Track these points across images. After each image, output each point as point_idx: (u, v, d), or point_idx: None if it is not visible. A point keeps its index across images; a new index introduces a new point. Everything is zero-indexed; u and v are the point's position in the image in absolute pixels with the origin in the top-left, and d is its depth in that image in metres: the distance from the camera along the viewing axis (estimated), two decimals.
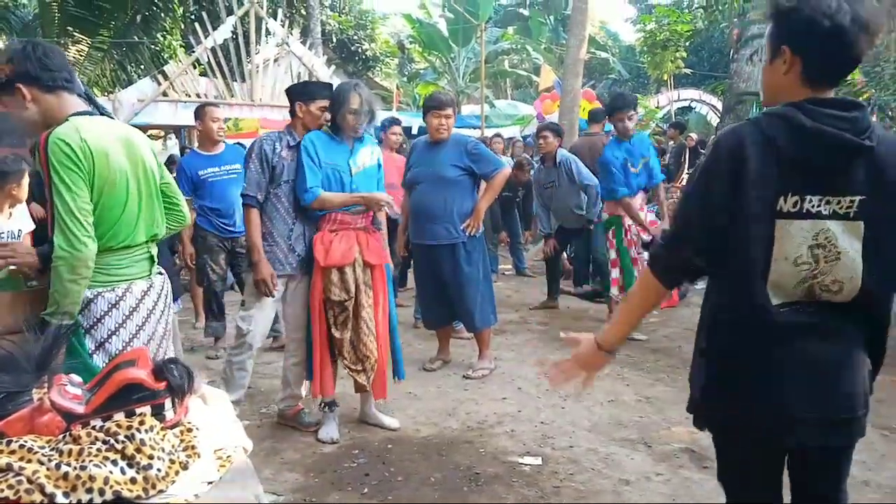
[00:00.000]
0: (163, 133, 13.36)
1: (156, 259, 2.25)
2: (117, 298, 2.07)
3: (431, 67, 23.41)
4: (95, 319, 2.05)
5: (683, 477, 2.98)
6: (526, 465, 3.10)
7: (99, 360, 2.03)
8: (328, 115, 3.32)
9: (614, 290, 5.21)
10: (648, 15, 17.11)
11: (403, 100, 21.78)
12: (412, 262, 4.39)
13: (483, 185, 4.36)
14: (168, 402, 1.45)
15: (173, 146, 12.91)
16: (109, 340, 2.07)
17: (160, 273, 2.28)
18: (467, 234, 4.20)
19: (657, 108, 14.52)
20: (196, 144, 4.51)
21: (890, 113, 6.75)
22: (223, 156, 4.78)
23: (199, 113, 4.58)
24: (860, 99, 6.99)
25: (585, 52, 10.83)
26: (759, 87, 1.68)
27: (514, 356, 4.80)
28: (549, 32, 22.98)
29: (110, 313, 2.06)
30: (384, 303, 3.39)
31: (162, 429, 1.41)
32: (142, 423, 1.37)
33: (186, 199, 4.58)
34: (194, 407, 1.58)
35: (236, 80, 9.40)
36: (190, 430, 1.46)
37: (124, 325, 2.09)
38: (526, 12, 23.11)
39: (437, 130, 4.18)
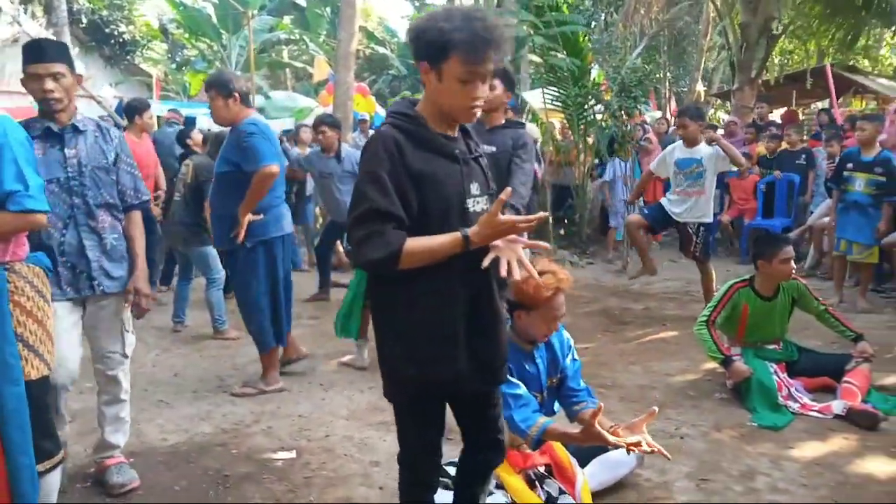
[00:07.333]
0: None
1: None
2: None
3: (201, 55, 22.07)
4: None
5: None
6: (279, 460, 3.08)
7: None
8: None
9: None
10: (419, 13, 17.75)
11: (172, 87, 20.28)
12: None
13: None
14: None
15: None
16: None
17: None
18: (238, 242, 3.68)
19: None
20: None
21: (615, 113, 7.72)
22: None
23: None
24: (603, 100, 7.91)
25: (356, 46, 10.93)
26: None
27: None
28: (326, 25, 22.77)
29: None
30: None
31: None
32: None
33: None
34: None
35: None
36: None
37: None
38: (303, 3, 22.62)
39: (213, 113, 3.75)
